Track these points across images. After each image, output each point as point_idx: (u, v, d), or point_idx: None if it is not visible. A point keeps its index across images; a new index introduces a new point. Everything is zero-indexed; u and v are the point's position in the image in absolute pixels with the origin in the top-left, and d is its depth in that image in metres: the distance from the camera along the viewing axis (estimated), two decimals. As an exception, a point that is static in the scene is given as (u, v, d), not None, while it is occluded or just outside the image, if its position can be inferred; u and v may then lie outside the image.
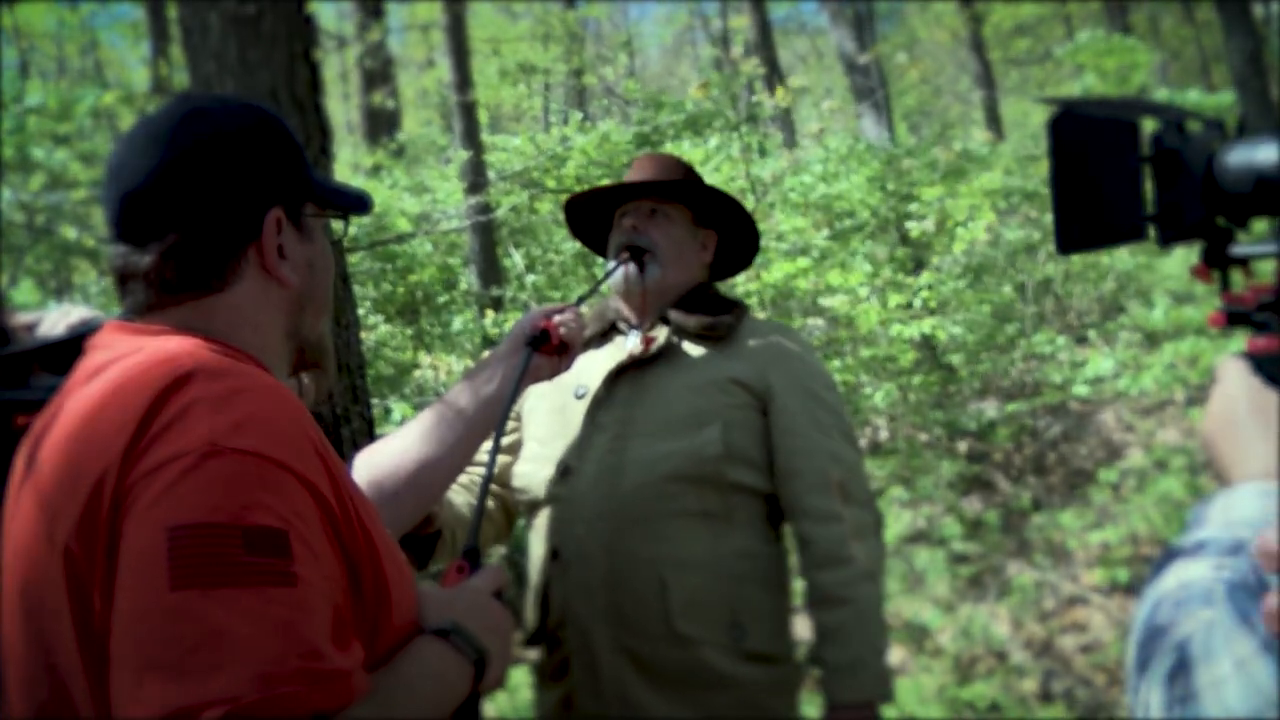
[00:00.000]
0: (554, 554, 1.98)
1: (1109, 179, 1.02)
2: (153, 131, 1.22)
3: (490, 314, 6.56)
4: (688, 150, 7.04)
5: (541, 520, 2.04)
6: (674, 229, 2.16)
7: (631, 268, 2.12)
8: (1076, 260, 7.98)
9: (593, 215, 2.30)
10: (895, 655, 4.94)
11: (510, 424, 2.14)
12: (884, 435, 7.14)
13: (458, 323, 6.93)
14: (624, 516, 1.93)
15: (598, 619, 1.92)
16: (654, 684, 1.90)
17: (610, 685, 1.91)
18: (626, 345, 2.14)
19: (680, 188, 2.17)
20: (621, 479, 1.95)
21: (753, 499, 1.99)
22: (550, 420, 2.10)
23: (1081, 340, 7.99)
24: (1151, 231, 1.02)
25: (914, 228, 6.40)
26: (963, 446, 6.92)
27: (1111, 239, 1.04)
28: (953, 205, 6.46)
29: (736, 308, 2.15)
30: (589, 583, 1.93)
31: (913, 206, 6.66)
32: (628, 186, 2.19)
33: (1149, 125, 1.02)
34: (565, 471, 2.01)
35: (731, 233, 2.25)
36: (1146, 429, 6.81)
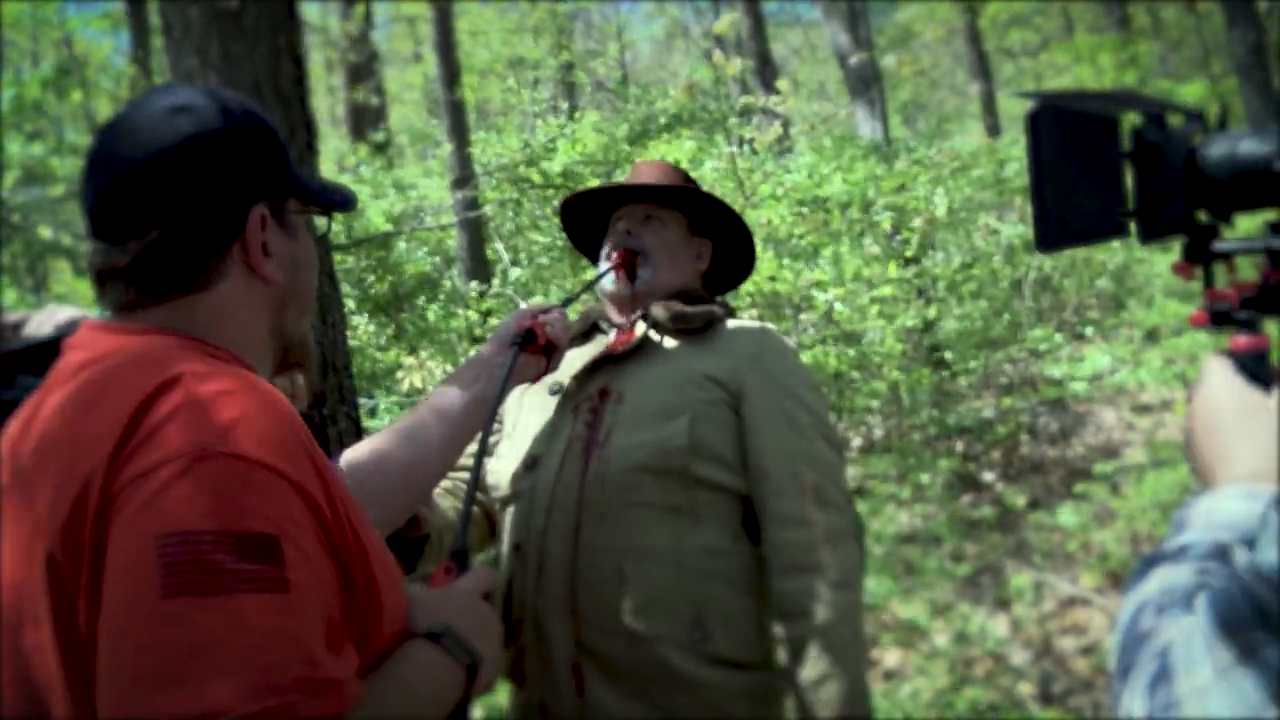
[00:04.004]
0: (516, 547, 1.97)
1: (1089, 175, 1.02)
2: (133, 124, 1.21)
3: (474, 310, 6.58)
4: (677, 144, 7.06)
5: (509, 514, 2.04)
6: (668, 234, 2.17)
7: (622, 270, 2.13)
8: (1071, 255, 8.00)
9: (587, 217, 2.31)
10: (890, 657, 4.96)
11: (495, 427, 2.16)
12: (878, 433, 7.16)
13: (432, 313, 6.93)
14: (585, 508, 1.91)
15: (555, 613, 1.89)
16: (611, 681, 1.86)
17: (567, 682, 1.88)
18: (606, 343, 2.15)
19: (677, 193, 2.19)
20: (586, 471, 1.94)
21: (723, 497, 1.94)
22: (525, 416, 2.11)
23: (1080, 337, 8.02)
24: (1132, 228, 1.02)
25: (883, 219, 6.43)
26: (959, 444, 6.94)
27: (1092, 236, 1.03)
28: (913, 199, 6.49)
29: (719, 305, 2.16)
30: (547, 575, 1.90)
31: (880, 203, 6.69)
32: (624, 189, 2.20)
33: (1130, 120, 1.03)
34: (532, 464, 2.01)
35: (727, 244, 2.26)
36: (1146, 426, 6.82)
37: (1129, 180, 1.03)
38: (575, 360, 2.09)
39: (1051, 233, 1.01)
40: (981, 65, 17.82)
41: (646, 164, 2.28)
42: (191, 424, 1.03)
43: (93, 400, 1.09)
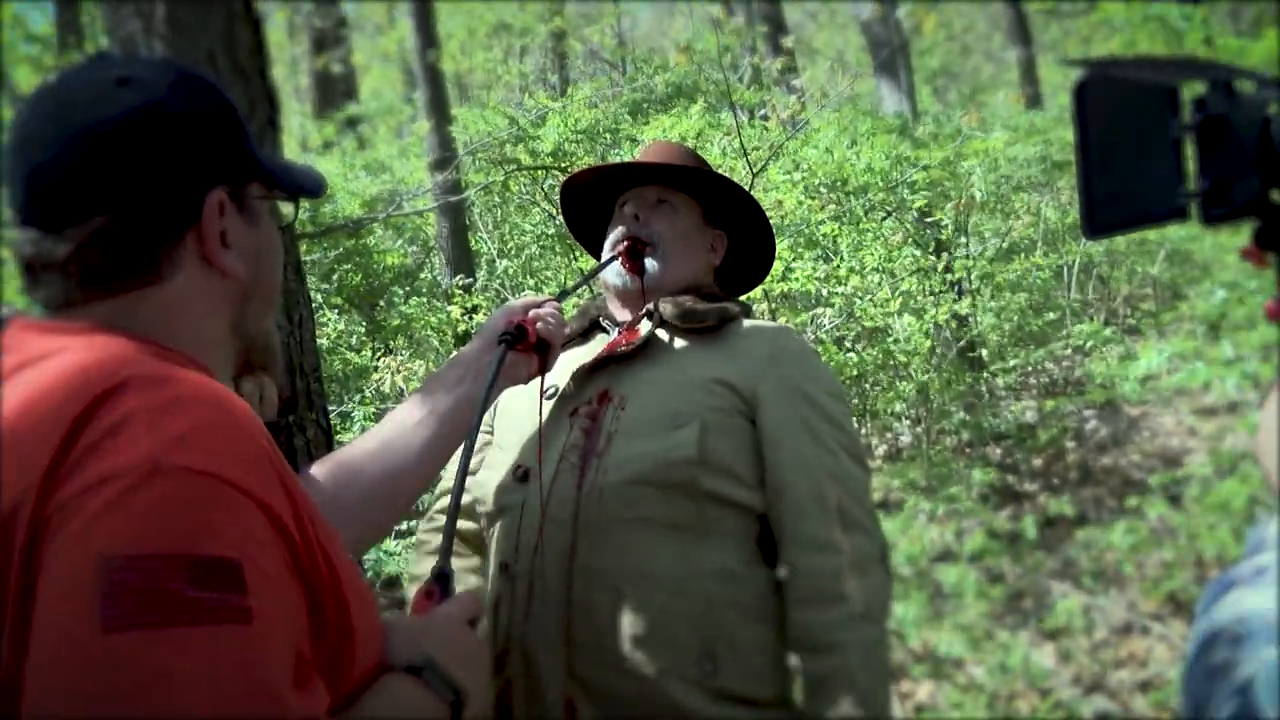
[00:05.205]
0: (503, 567, 1.96)
1: (1145, 151, 1.01)
2: (70, 98, 1.20)
3: (457, 305, 6.59)
4: (683, 118, 7.06)
5: (496, 532, 2.03)
6: (680, 222, 2.18)
7: (628, 261, 2.13)
8: (1125, 240, 7.98)
9: (589, 202, 2.31)
10: (922, 690, 4.95)
11: (484, 436, 2.15)
12: (905, 440, 7.14)
13: (410, 309, 6.92)
14: (580, 524, 1.90)
15: (546, 641, 1.88)
16: (608, 718, 1.84)
17: (559, 718, 1.86)
18: (608, 342, 2.14)
19: (692, 175, 2.19)
20: (582, 482, 1.93)
21: (736, 514, 1.94)
22: (516, 424, 2.10)
23: (1132, 331, 8.00)
24: (1194, 210, 1.01)
25: (917, 200, 6.43)
26: (996, 452, 6.92)
27: (1147, 219, 1.02)
28: (955, 182, 6.49)
29: (734, 303, 2.15)
30: (538, 599, 1.90)
31: (910, 188, 6.69)
32: (633, 168, 2.21)
33: (1192, 88, 1.02)
34: (523, 476, 2.00)
35: (744, 239, 2.27)
36: (1211, 431, 6.78)
37: (1190, 156, 1.02)
38: (573, 362, 2.09)
39: (1101, 216, 0.99)
40: (1021, 27, 17.76)
41: (659, 145, 2.28)
42: (141, 435, 1.01)
43: (24, 410, 1.06)
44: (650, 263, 2.13)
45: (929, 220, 6.92)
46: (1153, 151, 1.01)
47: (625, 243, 2.15)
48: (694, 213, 2.21)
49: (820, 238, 6.51)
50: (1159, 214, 1.03)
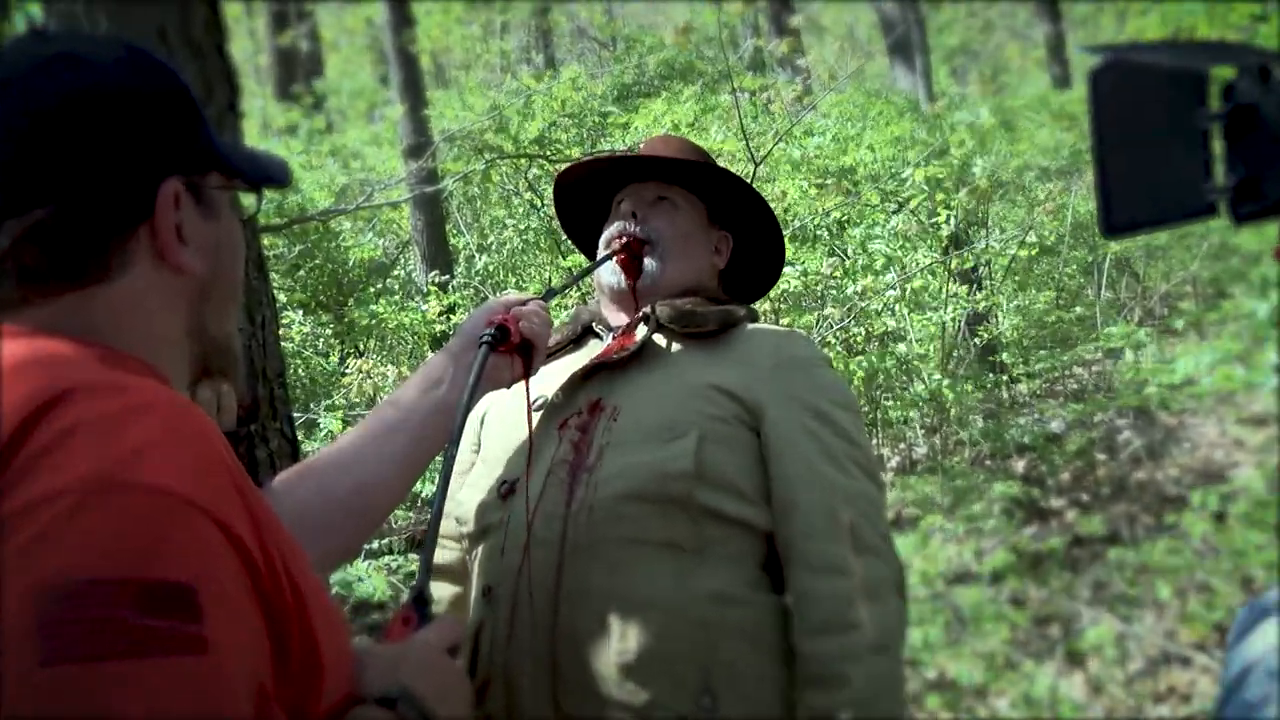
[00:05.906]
0: (486, 591, 1.96)
1: (1169, 143, 1.01)
2: (4, 79, 1.18)
3: (433, 304, 6.60)
4: (675, 103, 7.08)
5: (479, 553, 2.03)
6: (681, 220, 2.19)
7: (624, 260, 2.15)
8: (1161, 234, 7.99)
9: (583, 198, 2.32)
10: (940, 724, 4.95)
11: (470, 457, 2.16)
12: (920, 450, 7.15)
13: (383, 308, 6.93)
14: (569, 543, 1.89)
15: (529, 671, 1.86)
16: None
17: None
18: (601, 349, 2.14)
19: (696, 170, 2.20)
20: (571, 499, 1.93)
21: (739, 533, 1.92)
22: (501, 438, 2.10)
23: (1170, 332, 7.99)
24: (1222, 208, 1.01)
25: (914, 195, 6.43)
26: (1019, 464, 6.93)
27: (1171, 218, 1.03)
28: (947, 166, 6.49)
29: (739, 307, 2.15)
30: (521, 624, 1.88)
31: (917, 174, 6.70)
32: (632, 161, 2.22)
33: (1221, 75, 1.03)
34: (508, 492, 2.00)
35: (751, 242, 2.29)
36: (1259, 443, 6.76)
37: (1219, 149, 1.02)
38: (564, 371, 2.09)
39: (1119, 214, 0.99)
40: (1049, 1, 17.78)
41: (661, 138, 2.30)
42: (88, 448, 1.00)
43: None
44: (648, 262, 2.14)
45: (937, 217, 6.93)
46: (1177, 143, 1.01)
47: (621, 240, 2.16)
48: (697, 211, 2.22)
49: (826, 232, 6.53)
50: (1184, 211, 1.03)
